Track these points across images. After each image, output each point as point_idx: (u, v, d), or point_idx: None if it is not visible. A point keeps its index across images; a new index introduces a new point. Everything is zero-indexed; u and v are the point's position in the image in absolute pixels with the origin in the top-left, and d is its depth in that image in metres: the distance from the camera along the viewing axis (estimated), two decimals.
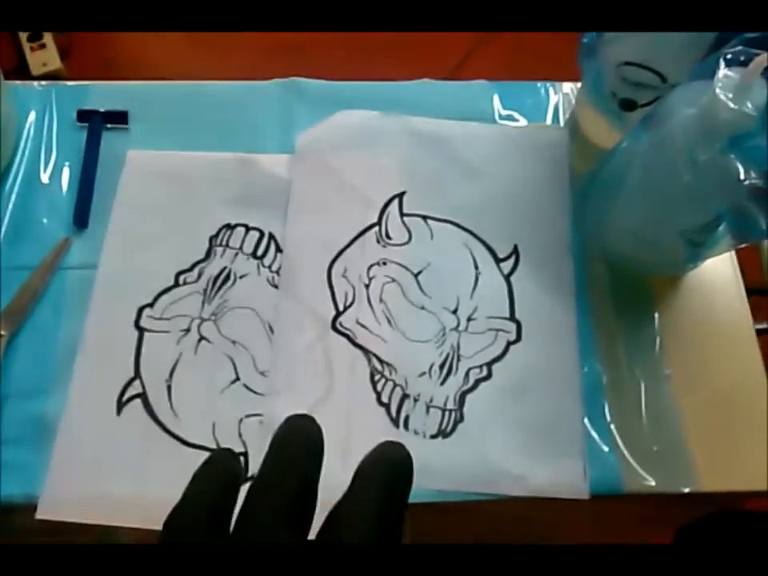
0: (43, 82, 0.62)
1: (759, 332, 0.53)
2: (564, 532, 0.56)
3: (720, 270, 0.55)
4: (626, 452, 0.48)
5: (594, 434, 0.48)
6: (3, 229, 0.54)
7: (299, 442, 0.23)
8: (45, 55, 0.90)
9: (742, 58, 0.42)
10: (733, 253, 0.55)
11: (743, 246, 0.49)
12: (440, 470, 0.47)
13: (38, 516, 0.44)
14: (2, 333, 0.49)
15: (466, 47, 0.88)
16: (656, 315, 0.53)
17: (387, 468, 0.23)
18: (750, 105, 0.41)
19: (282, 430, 0.24)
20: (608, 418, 0.49)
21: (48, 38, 0.95)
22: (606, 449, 0.48)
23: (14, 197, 0.55)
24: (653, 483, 0.47)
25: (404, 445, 0.24)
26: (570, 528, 0.54)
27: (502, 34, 0.81)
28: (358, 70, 0.64)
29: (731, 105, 0.41)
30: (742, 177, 0.40)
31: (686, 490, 0.47)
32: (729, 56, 0.42)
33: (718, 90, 0.41)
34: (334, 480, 0.23)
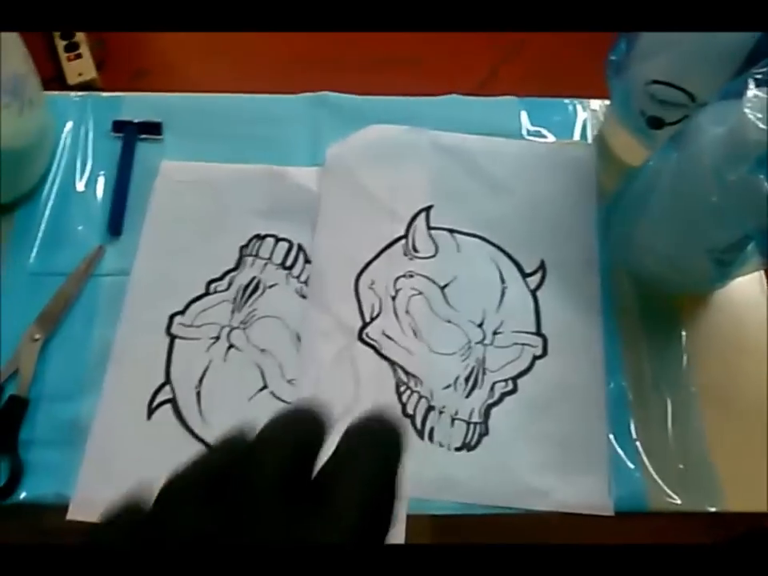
0: (80, 93, 0.64)
1: None
2: None
3: (748, 288, 0.55)
4: (651, 469, 0.48)
5: (620, 451, 0.48)
6: (40, 236, 0.55)
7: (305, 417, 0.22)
8: (81, 65, 0.92)
9: None
10: (762, 272, 0.55)
11: None
12: (464, 483, 0.47)
13: (70, 516, 0.45)
14: (37, 337, 0.51)
15: (492, 62, 0.88)
16: (683, 332, 0.53)
17: (374, 445, 0.21)
18: None
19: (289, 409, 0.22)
20: (633, 435, 0.49)
21: (84, 48, 0.98)
22: (631, 466, 0.48)
23: (50, 205, 0.57)
24: (678, 502, 0.47)
25: (392, 416, 0.22)
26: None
27: (527, 49, 0.82)
28: (383, 85, 0.64)
29: (760, 125, 0.41)
30: None
31: (712, 509, 0.47)
32: (758, 76, 0.42)
33: (746, 110, 0.41)
34: None
